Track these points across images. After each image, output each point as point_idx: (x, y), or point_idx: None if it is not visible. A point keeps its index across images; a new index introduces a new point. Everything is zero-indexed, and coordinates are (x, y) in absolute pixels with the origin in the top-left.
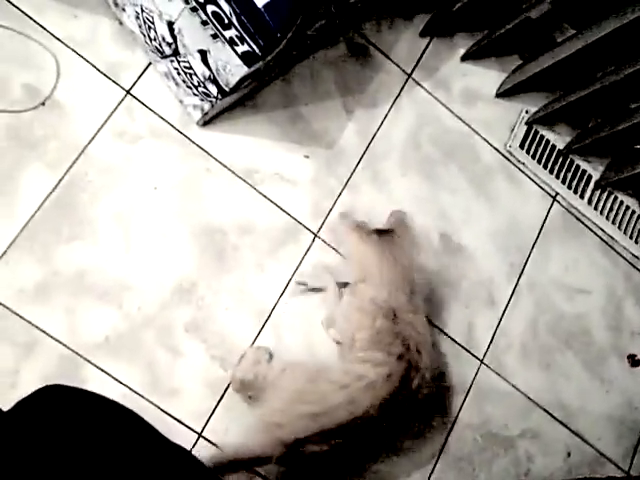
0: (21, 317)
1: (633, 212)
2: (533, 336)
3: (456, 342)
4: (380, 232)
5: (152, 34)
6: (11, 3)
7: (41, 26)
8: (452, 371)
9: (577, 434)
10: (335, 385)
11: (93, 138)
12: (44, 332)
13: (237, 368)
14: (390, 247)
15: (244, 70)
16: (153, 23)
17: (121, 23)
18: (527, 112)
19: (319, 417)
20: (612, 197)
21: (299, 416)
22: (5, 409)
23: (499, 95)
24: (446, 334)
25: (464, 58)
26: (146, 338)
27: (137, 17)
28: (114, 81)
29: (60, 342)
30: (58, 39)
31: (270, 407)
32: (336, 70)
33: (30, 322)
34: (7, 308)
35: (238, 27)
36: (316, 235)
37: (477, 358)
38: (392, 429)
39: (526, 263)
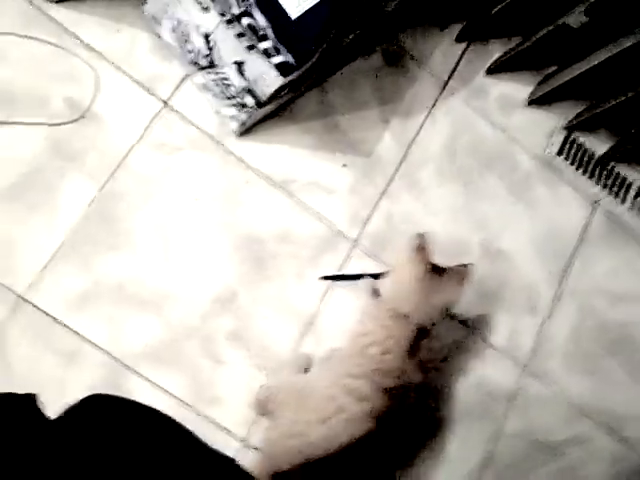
0: (65, 326)
1: None
2: (576, 342)
3: (499, 349)
4: (438, 271)
5: (189, 46)
6: (51, 17)
7: (80, 40)
8: (495, 378)
9: (624, 441)
10: (317, 416)
11: (131, 150)
12: (88, 341)
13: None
14: (438, 295)
15: (280, 81)
16: (189, 35)
17: (158, 36)
18: (565, 118)
19: (302, 452)
20: None
21: (287, 449)
22: (52, 417)
23: (535, 102)
24: (488, 341)
25: (496, 67)
26: (188, 347)
27: (174, 30)
28: (152, 93)
29: (104, 350)
30: (97, 52)
31: (267, 437)
32: (372, 79)
33: (74, 331)
34: (51, 317)
35: (273, 38)
36: (355, 242)
37: (519, 365)
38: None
39: (567, 270)
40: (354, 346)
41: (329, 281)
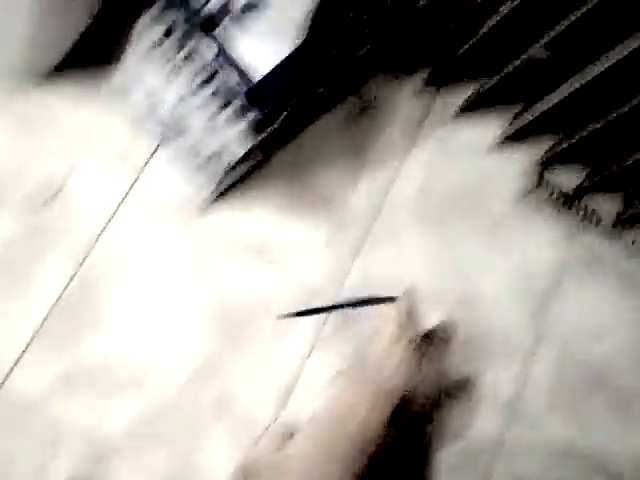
0: (46, 412)
1: None
2: (559, 385)
3: (481, 397)
4: (423, 342)
5: (158, 117)
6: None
7: (50, 117)
8: (479, 428)
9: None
10: None
11: (106, 226)
12: (68, 425)
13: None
14: (426, 366)
15: (248, 143)
16: (158, 106)
17: (128, 109)
18: (536, 155)
19: None
20: (632, 233)
21: None
22: None
23: (505, 142)
24: (471, 389)
25: (464, 109)
26: (169, 423)
27: (143, 102)
28: (124, 166)
29: (85, 434)
30: (68, 129)
31: None
32: (343, 131)
33: (53, 416)
34: (33, 403)
35: (240, 101)
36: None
37: (504, 412)
38: None
39: (546, 310)
40: (333, 416)
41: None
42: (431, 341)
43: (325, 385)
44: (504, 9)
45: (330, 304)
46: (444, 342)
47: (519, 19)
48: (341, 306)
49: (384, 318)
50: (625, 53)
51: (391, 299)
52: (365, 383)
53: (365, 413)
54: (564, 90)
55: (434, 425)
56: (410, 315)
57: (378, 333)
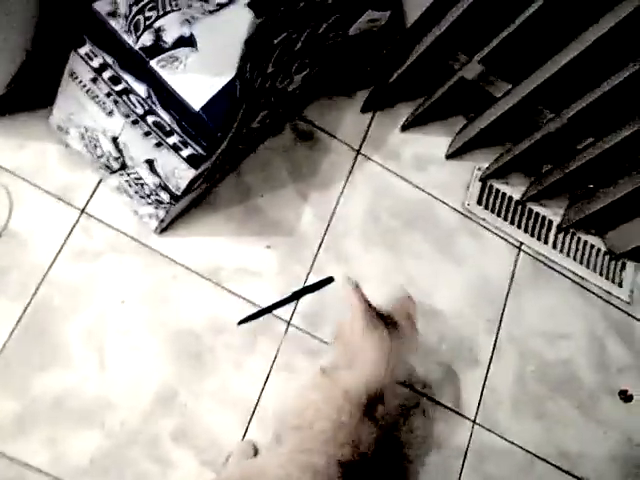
0: (2, 455)
1: (599, 250)
2: (522, 388)
3: (445, 406)
4: (387, 321)
5: (98, 151)
6: None
7: None
8: (445, 436)
9: None
10: None
11: (53, 262)
12: (28, 465)
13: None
14: (393, 346)
15: (192, 173)
16: (98, 141)
17: (67, 146)
18: (479, 169)
19: None
20: (576, 238)
21: None
22: None
23: (449, 157)
24: (434, 400)
25: (406, 127)
26: (133, 454)
27: (82, 137)
28: (68, 203)
29: (48, 474)
30: (6, 170)
31: None
32: (286, 157)
33: (12, 458)
34: None
35: (179, 132)
36: (289, 323)
37: (469, 419)
38: None
39: (502, 316)
40: (302, 421)
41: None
42: (396, 325)
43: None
44: (435, 31)
45: (274, 302)
46: (409, 323)
47: (449, 40)
48: (285, 301)
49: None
50: (564, 62)
51: (329, 280)
52: (334, 384)
53: (336, 415)
54: (502, 105)
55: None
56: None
57: (345, 331)
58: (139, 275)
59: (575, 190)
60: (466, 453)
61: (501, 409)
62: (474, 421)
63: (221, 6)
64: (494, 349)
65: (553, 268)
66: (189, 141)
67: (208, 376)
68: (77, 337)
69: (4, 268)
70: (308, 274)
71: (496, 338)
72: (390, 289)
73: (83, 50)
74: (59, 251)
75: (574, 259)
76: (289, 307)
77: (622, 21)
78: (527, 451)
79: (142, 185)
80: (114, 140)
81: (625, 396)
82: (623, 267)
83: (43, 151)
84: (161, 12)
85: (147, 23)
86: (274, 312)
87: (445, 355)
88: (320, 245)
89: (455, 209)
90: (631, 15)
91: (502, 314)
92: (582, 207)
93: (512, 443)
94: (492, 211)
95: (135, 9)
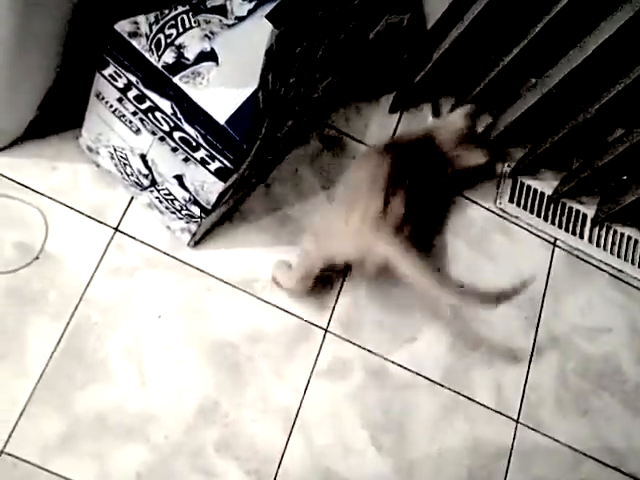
0: (50, 472)
1: (636, 241)
2: (564, 385)
3: (488, 407)
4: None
5: (128, 170)
6: None
7: (21, 184)
8: (490, 437)
9: (632, 476)
10: None
11: (90, 281)
12: None
13: None
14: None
15: (220, 186)
16: (127, 159)
17: (98, 166)
18: (509, 166)
19: None
20: (612, 231)
21: None
22: None
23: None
24: (476, 401)
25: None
26: (178, 466)
27: (111, 157)
28: (101, 222)
29: None
30: (40, 193)
31: None
32: (314, 165)
33: (60, 475)
34: (34, 465)
35: (206, 147)
36: (327, 330)
37: (512, 419)
38: None
39: (541, 313)
40: None
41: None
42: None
43: None
44: (455, 32)
45: None
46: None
47: (470, 38)
48: None
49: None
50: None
51: None
52: None
53: None
54: (529, 100)
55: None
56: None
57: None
58: (174, 289)
59: (608, 183)
60: (511, 453)
61: (544, 407)
62: (517, 420)
63: (240, 19)
64: (534, 347)
65: (590, 262)
66: (216, 155)
67: (248, 386)
68: (116, 353)
69: (42, 289)
70: (343, 281)
71: (535, 335)
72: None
73: (107, 71)
74: (95, 270)
75: (611, 252)
76: (325, 313)
77: None
78: (573, 449)
79: (172, 200)
80: (143, 158)
81: None
82: None
83: (74, 172)
84: (181, 29)
85: (168, 41)
86: (310, 320)
87: (484, 355)
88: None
89: (487, 208)
90: None
91: (540, 311)
92: (616, 199)
93: (557, 441)
94: (524, 208)
95: (155, 28)
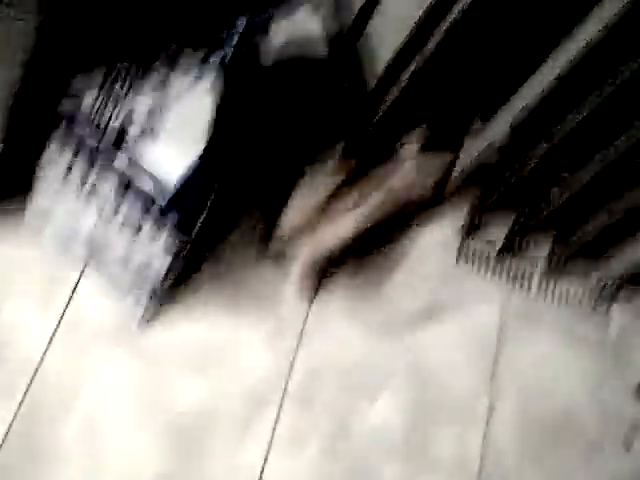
0: None
1: (584, 292)
2: (523, 439)
3: (448, 466)
4: None
5: (80, 244)
6: None
7: None
8: None
9: None
10: None
11: (42, 361)
12: None
13: None
14: None
15: (170, 258)
16: (76, 233)
17: (47, 239)
18: (460, 217)
19: None
20: (562, 282)
21: None
22: None
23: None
24: (437, 460)
25: None
26: None
27: (60, 230)
28: (51, 297)
29: None
30: None
31: None
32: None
33: None
34: None
35: (154, 218)
36: (283, 396)
37: (474, 475)
38: None
39: (496, 368)
40: None
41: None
42: None
43: None
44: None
45: None
46: None
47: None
48: None
49: None
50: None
51: None
52: None
53: None
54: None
55: None
56: None
57: None
58: (126, 365)
59: (556, 234)
60: None
61: (504, 463)
62: (478, 477)
63: (184, 90)
64: (491, 403)
65: (542, 314)
66: (164, 227)
67: (205, 462)
68: (70, 434)
69: None
70: (298, 344)
71: (493, 391)
72: (378, 352)
73: (54, 146)
74: (46, 349)
75: (562, 304)
76: (282, 380)
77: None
78: None
79: (123, 275)
80: (92, 233)
81: (627, 441)
82: (610, 308)
83: (22, 245)
84: (124, 103)
85: (112, 115)
86: (267, 387)
87: (442, 414)
88: (306, 317)
89: (439, 260)
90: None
91: (496, 365)
92: (564, 249)
93: None
94: (476, 260)
95: (99, 104)
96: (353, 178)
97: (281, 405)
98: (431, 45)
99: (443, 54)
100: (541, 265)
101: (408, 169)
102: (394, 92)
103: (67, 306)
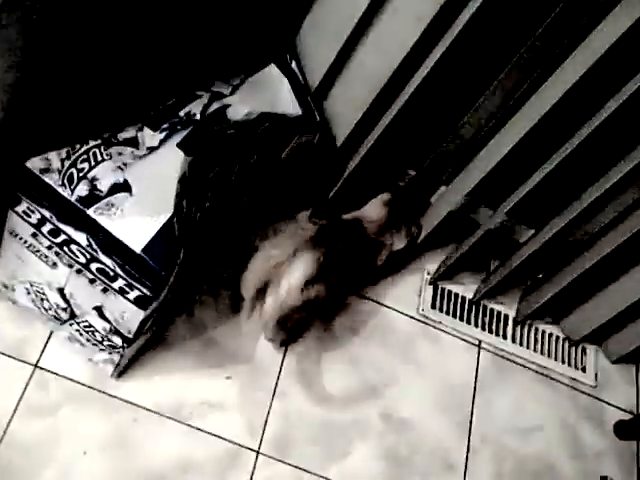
0: None
1: (558, 337)
2: None
3: None
4: None
5: (46, 304)
6: None
7: None
8: None
9: None
10: None
11: (10, 422)
12: None
13: None
14: None
15: (141, 314)
16: (44, 294)
17: (14, 302)
18: (429, 273)
19: None
20: (534, 329)
21: None
22: None
23: (397, 265)
24: None
25: None
26: None
27: (28, 293)
28: (20, 359)
29: None
30: None
31: None
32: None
33: None
34: None
35: (124, 276)
36: (258, 452)
37: None
38: None
39: (472, 417)
40: None
41: None
42: None
43: None
44: (363, 149)
45: None
46: None
47: (377, 154)
48: None
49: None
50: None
51: None
52: None
53: None
54: (442, 206)
55: None
56: None
57: None
58: (99, 423)
59: (525, 282)
60: None
61: None
62: None
63: (151, 150)
64: (468, 452)
65: (515, 362)
66: (135, 284)
67: None
68: None
69: None
70: (272, 400)
71: (468, 441)
72: (355, 404)
73: (20, 208)
74: (15, 409)
75: (535, 350)
76: (256, 436)
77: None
78: None
79: (93, 332)
80: (60, 291)
81: None
82: (584, 352)
83: None
84: (93, 163)
85: (81, 175)
86: (241, 444)
87: (418, 465)
88: (280, 369)
89: (410, 316)
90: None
91: (471, 415)
92: (534, 298)
93: None
94: (447, 313)
95: (67, 163)
96: (320, 235)
97: (256, 459)
98: (396, 108)
99: (408, 116)
100: (514, 311)
101: (372, 227)
102: (361, 152)
103: (36, 366)
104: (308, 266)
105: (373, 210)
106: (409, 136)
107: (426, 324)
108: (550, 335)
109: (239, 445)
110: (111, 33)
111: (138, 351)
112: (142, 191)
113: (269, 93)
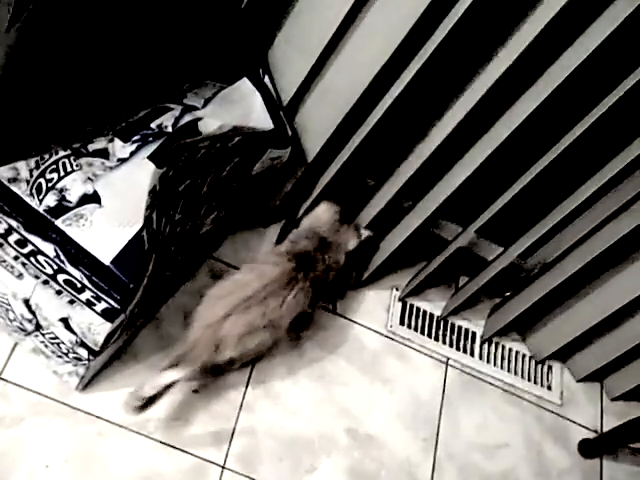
0: None
1: (524, 355)
2: None
3: None
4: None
5: (11, 315)
6: None
7: None
8: None
9: None
10: None
11: None
12: None
13: None
14: None
15: (108, 327)
16: (9, 304)
17: None
18: (397, 289)
19: None
20: (500, 347)
21: None
22: None
23: (366, 281)
24: None
25: None
26: None
27: None
28: None
29: None
30: None
31: None
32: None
33: None
34: None
35: (92, 288)
36: (224, 467)
37: None
38: None
39: (438, 434)
40: None
41: None
42: None
43: None
44: (334, 166)
45: None
46: None
47: (348, 171)
48: None
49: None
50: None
51: None
52: None
53: None
54: (411, 223)
55: None
56: None
57: None
58: (63, 436)
59: (493, 299)
60: None
61: None
62: None
63: (122, 161)
64: (434, 469)
65: (482, 379)
66: (102, 295)
67: None
68: None
69: None
70: (238, 413)
71: (434, 457)
72: (321, 420)
73: None
74: None
75: (501, 368)
76: (222, 450)
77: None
78: None
79: (59, 344)
80: (26, 302)
81: None
82: (550, 370)
83: None
84: (62, 173)
85: (49, 185)
86: (207, 458)
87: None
88: (247, 383)
89: (378, 332)
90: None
91: (438, 432)
92: (501, 316)
93: None
94: (415, 330)
95: (36, 173)
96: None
97: (221, 474)
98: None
99: (381, 133)
100: (481, 328)
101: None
102: (332, 170)
103: (0, 377)
104: (255, 316)
105: (324, 211)
106: (380, 150)
107: (394, 340)
108: (517, 353)
109: (205, 460)
110: (82, 44)
111: (105, 363)
112: (112, 203)
113: (241, 107)
